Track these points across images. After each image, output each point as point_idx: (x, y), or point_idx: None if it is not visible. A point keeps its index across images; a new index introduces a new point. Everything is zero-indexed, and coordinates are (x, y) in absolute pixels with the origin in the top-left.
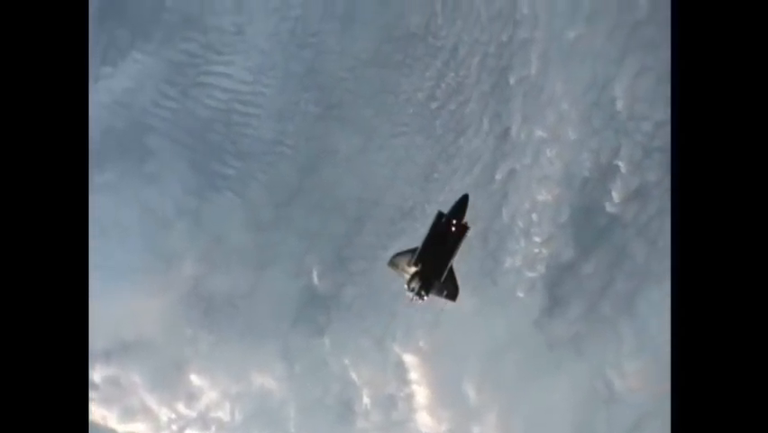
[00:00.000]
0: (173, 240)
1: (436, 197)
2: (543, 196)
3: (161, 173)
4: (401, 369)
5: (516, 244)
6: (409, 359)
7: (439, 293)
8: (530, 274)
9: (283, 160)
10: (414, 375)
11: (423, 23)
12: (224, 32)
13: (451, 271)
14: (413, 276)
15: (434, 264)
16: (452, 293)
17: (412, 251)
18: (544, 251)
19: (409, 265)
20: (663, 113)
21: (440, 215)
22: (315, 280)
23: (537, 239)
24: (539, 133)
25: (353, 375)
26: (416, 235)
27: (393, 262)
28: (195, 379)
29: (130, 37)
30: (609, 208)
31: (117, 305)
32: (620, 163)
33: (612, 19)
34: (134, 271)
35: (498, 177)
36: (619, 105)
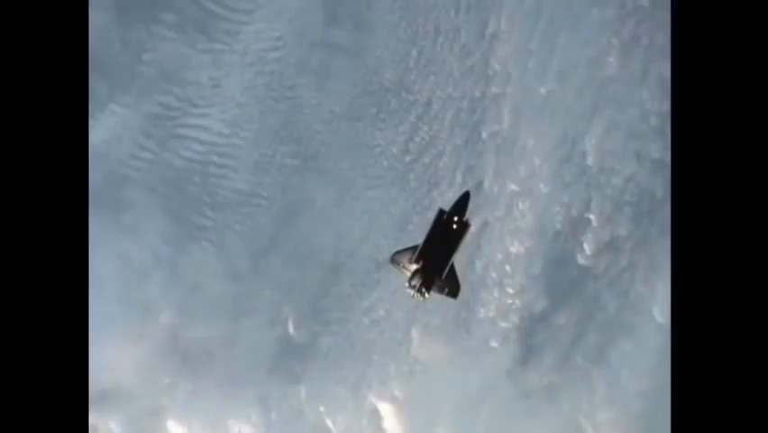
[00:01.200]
0: (150, 289)
1: None
2: (515, 248)
3: (139, 224)
4: (376, 417)
5: (490, 295)
6: (384, 407)
7: (440, 291)
8: (504, 324)
9: (259, 211)
10: (389, 424)
11: (397, 78)
12: (201, 86)
13: (452, 269)
14: (414, 273)
15: (435, 262)
16: (454, 290)
17: (413, 248)
18: (518, 302)
19: (410, 263)
20: (633, 167)
21: (441, 212)
22: (292, 329)
23: (510, 290)
24: (512, 186)
25: (329, 423)
26: (390, 286)
27: (394, 260)
28: (172, 426)
29: (108, 90)
30: (581, 261)
31: (95, 353)
32: (591, 217)
33: (582, 76)
34: (112, 320)
35: (472, 229)
36: (590, 159)
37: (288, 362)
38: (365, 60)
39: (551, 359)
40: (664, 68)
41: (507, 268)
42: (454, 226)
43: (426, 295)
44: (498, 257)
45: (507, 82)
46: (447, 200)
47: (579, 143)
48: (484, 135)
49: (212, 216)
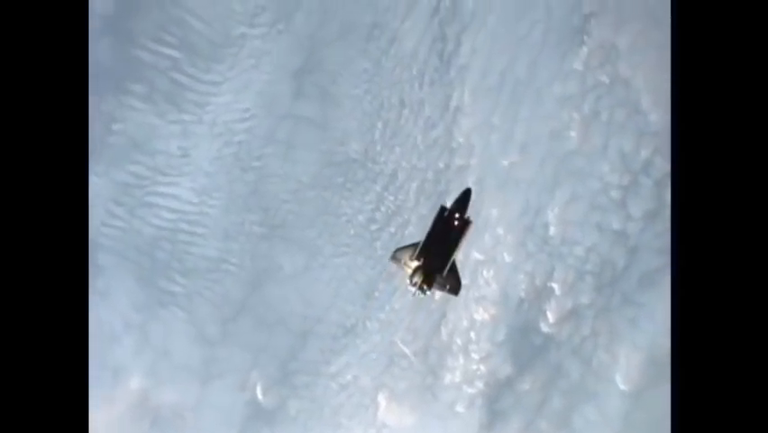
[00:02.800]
0: (121, 353)
1: (377, 314)
2: (480, 315)
3: (110, 289)
4: None
5: (456, 361)
6: None
7: (441, 288)
8: (469, 390)
9: (228, 277)
10: None
11: (362, 149)
12: (171, 156)
13: (453, 266)
14: (415, 270)
15: (436, 259)
16: (455, 287)
17: (414, 245)
18: (483, 368)
19: (411, 259)
20: (594, 238)
21: (443, 209)
22: (260, 393)
23: (476, 356)
24: (476, 255)
25: None
26: (357, 352)
27: (395, 257)
28: None
29: None
30: (544, 328)
31: None
32: (554, 285)
33: (544, 149)
34: None
35: (438, 296)
36: (552, 230)
37: (256, 426)
38: (332, 132)
39: (516, 424)
40: (624, 142)
41: (473, 335)
42: (455, 224)
43: (428, 292)
44: (463, 324)
45: (470, 154)
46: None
47: (541, 214)
48: (449, 205)
49: (181, 281)
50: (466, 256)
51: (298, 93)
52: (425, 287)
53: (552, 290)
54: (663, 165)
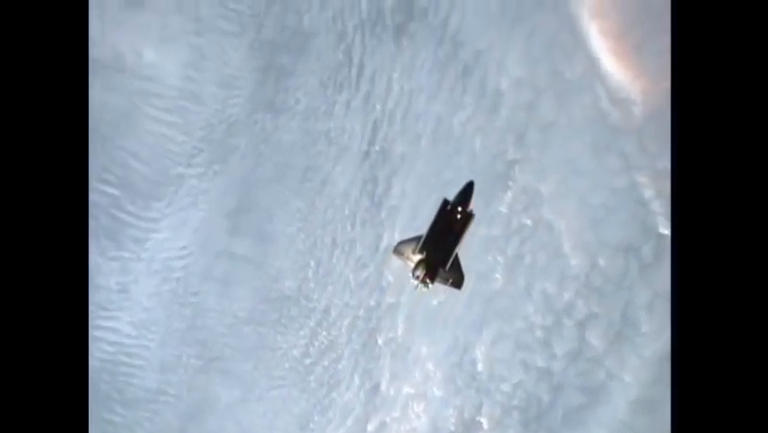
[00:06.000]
0: None
1: None
2: None
3: None
4: None
5: None
6: None
7: (444, 281)
8: None
9: (167, 408)
10: None
11: (296, 286)
12: (110, 291)
13: (456, 260)
14: (417, 264)
15: (438, 252)
16: (458, 281)
17: (417, 239)
18: None
19: (414, 253)
20: (521, 375)
21: (445, 202)
22: None
23: None
24: (407, 389)
25: None
26: None
27: (398, 250)
28: None
29: None
30: None
31: None
32: (482, 420)
33: (470, 290)
34: None
35: (370, 429)
36: (480, 367)
37: None
38: (267, 270)
39: None
40: (547, 285)
41: None
42: (458, 217)
43: (430, 286)
44: None
45: (400, 293)
46: (346, 400)
47: (469, 351)
48: (380, 342)
49: (121, 412)
50: (397, 390)
51: (234, 231)
52: (427, 280)
53: (480, 424)
54: (584, 307)
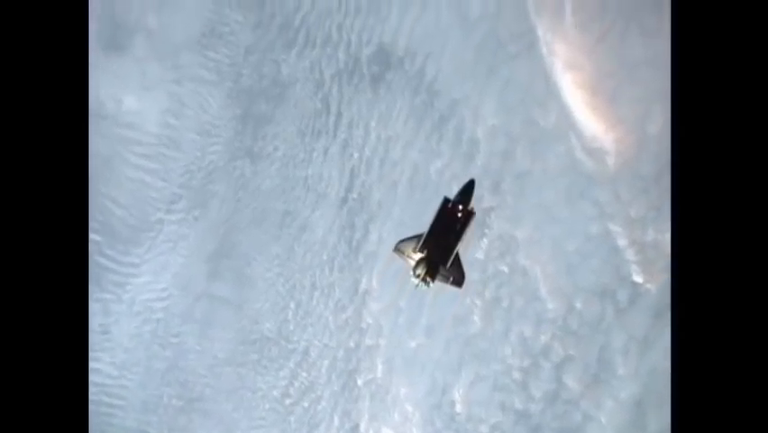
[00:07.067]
0: None
1: None
2: None
3: None
4: None
5: None
6: None
7: (445, 280)
8: None
9: None
10: None
11: (276, 328)
12: (92, 332)
13: (456, 258)
14: (418, 262)
15: (439, 251)
16: (458, 280)
17: (417, 237)
18: None
19: (414, 251)
20: (498, 416)
21: (446, 200)
22: None
23: None
24: (386, 430)
25: None
26: None
27: (398, 249)
28: None
29: None
30: None
31: None
32: None
33: (448, 332)
34: None
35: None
36: (458, 408)
37: None
38: (246, 312)
39: None
40: (524, 328)
41: None
42: (459, 215)
43: (431, 284)
44: None
45: (379, 335)
46: None
47: (448, 393)
48: (359, 383)
49: None
50: (377, 431)
51: (214, 275)
52: (428, 279)
53: None
54: (561, 350)
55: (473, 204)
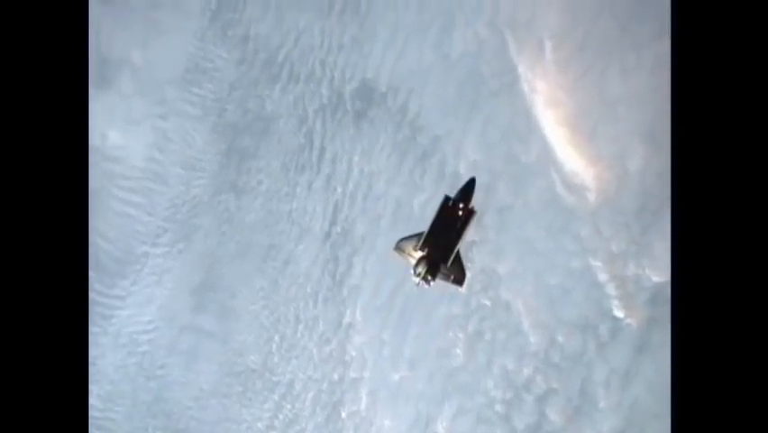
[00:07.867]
0: None
1: None
2: None
3: None
4: None
5: None
6: None
7: (446, 278)
8: None
9: None
10: None
11: (261, 360)
12: None
13: (457, 256)
14: (419, 261)
15: (440, 249)
16: (459, 278)
17: (418, 235)
18: None
19: (415, 250)
20: None
21: (447, 198)
22: None
23: None
24: None
25: None
26: None
27: (399, 247)
28: None
29: None
30: None
31: None
32: None
33: (432, 365)
34: None
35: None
36: None
37: None
38: (231, 344)
39: None
40: (507, 361)
41: None
42: (459, 213)
43: (432, 282)
44: None
45: (363, 367)
46: None
47: (431, 425)
48: (343, 415)
49: None
50: None
51: (198, 307)
52: (428, 277)
53: None
54: (543, 383)
55: (473, 202)
